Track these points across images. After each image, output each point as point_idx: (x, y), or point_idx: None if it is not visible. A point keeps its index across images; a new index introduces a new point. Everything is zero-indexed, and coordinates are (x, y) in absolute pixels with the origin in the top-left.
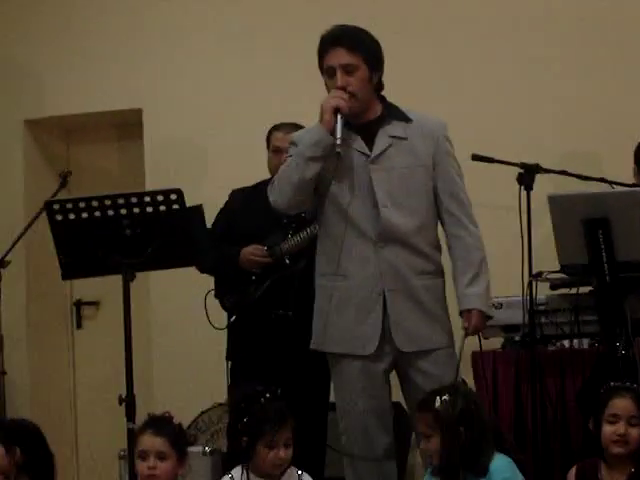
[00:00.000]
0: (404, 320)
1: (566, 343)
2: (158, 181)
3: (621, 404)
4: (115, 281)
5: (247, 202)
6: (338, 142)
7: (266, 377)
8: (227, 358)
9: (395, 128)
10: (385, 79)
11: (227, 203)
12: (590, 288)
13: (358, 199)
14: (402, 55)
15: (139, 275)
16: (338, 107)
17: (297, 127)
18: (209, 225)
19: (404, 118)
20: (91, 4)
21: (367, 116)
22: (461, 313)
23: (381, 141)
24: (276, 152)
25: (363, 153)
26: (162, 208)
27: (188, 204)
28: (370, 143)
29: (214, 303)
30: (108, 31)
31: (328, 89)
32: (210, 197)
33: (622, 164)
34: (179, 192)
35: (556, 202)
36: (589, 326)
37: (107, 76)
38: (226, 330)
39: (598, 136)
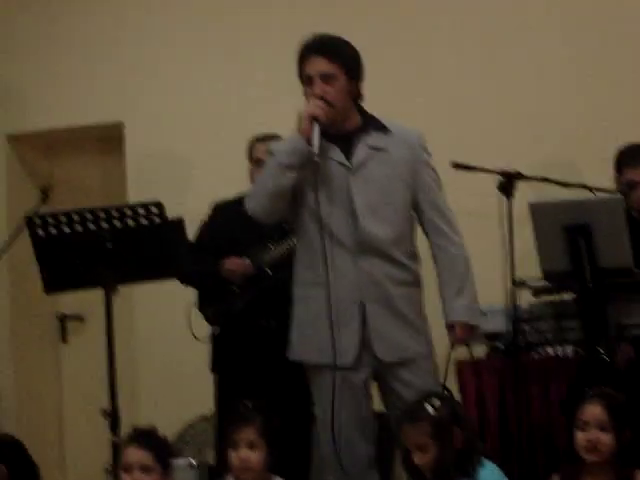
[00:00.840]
0: (384, 330)
1: (550, 351)
2: (140, 194)
3: (590, 411)
4: (100, 295)
5: (229, 215)
6: (315, 151)
7: (252, 389)
8: (212, 370)
9: (374, 139)
10: (364, 89)
11: (210, 216)
12: (572, 295)
13: (336, 209)
14: (380, 65)
15: (123, 289)
16: (315, 115)
17: (278, 138)
18: (191, 238)
19: (382, 129)
20: (73, 19)
21: (346, 126)
22: (447, 326)
23: (360, 152)
24: (258, 164)
25: (342, 164)
26: (143, 221)
27: (170, 217)
28: (349, 154)
29: (198, 316)
30: (89, 45)
31: (307, 98)
32: (192, 210)
33: (602, 170)
34: (160, 205)
35: (537, 209)
36: (572, 333)
37: (88, 90)
38: (210, 342)
39: (578, 143)
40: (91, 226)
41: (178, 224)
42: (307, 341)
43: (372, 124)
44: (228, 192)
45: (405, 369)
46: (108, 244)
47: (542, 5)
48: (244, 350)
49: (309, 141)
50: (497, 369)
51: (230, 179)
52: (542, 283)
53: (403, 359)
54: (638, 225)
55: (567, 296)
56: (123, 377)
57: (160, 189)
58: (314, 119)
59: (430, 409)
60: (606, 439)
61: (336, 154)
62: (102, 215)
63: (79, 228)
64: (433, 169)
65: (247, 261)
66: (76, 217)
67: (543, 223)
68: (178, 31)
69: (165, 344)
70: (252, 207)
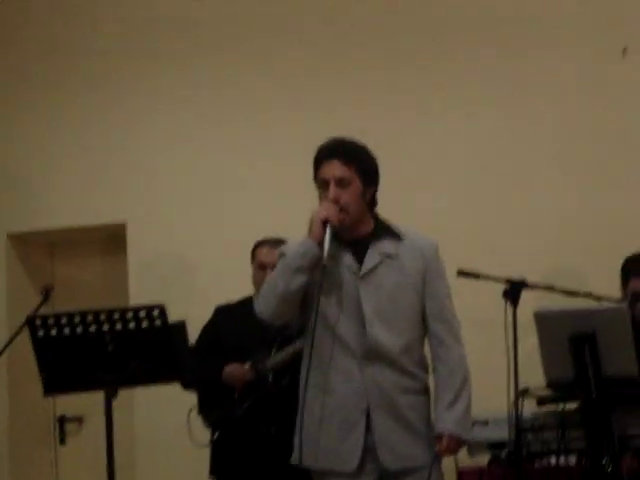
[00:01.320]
0: (389, 438)
1: (553, 460)
2: (142, 295)
3: None
4: (98, 396)
5: (232, 318)
6: (325, 254)
7: None
8: (211, 474)
9: (386, 245)
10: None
11: (212, 319)
12: (576, 404)
13: (345, 315)
14: (389, 169)
15: (123, 390)
16: (327, 219)
17: (282, 242)
18: (193, 340)
19: (396, 235)
20: (76, 119)
21: (358, 231)
22: (436, 436)
23: (371, 258)
24: (261, 267)
25: (351, 269)
26: (144, 324)
27: (173, 318)
28: (360, 259)
29: (197, 420)
30: (92, 147)
31: (320, 201)
32: (195, 311)
33: (608, 279)
34: (161, 308)
35: (542, 318)
36: (576, 442)
37: (91, 191)
38: (210, 447)
39: (583, 251)
40: (92, 328)
41: (179, 328)
42: (310, 446)
43: (385, 230)
44: (232, 295)
45: (410, 477)
46: (109, 346)
47: (549, 115)
48: (244, 455)
49: (320, 244)
50: (499, 478)
51: (234, 282)
52: (546, 392)
53: (409, 468)
54: None
55: (571, 405)
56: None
57: (163, 291)
58: (326, 222)
59: None
60: None
61: (347, 259)
62: (103, 317)
63: (80, 330)
64: (445, 280)
65: (248, 367)
66: (77, 318)
67: (548, 332)
68: (182, 133)
69: (165, 447)
70: (260, 309)
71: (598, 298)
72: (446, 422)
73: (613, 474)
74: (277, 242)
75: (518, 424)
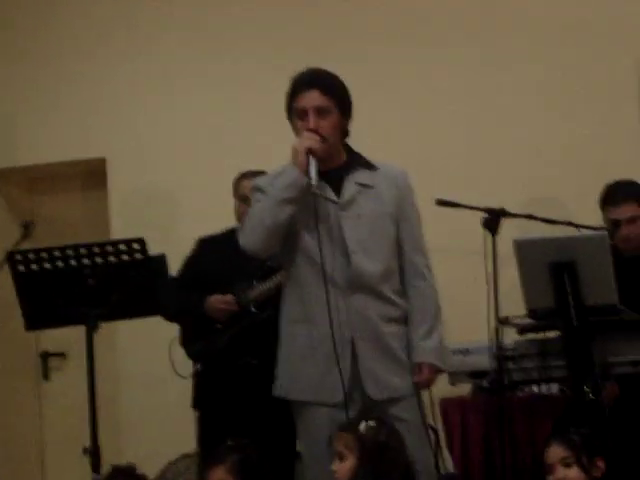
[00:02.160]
0: (374, 368)
1: (535, 389)
2: (124, 231)
3: (552, 452)
4: (81, 332)
5: (214, 250)
6: (313, 182)
7: (234, 426)
8: (194, 406)
9: (361, 175)
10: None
11: (194, 251)
12: (557, 332)
13: (327, 246)
14: (367, 100)
15: (106, 325)
16: (311, 148)
17: (263, 175)
18: (175, 273)
19: (368, 166)
20: (56, 55)
21: (333, 163)
22: (413, 365)
23: (349, 188)
24: (244, 200)
25: (332, 200)
26: (125, 257)
27: (155, 253)
28: (337, 190)
29: (180, 352)
30: (71, 81)
31: (296, 131)
32: (177, 245)
33: (588, 208)
34: (142, 241)
35: (522, 246)
36: (557, 371)
37: (70, 125)
38: (193, 379)
39: (563, 180)
40: (72, 262)
41: (159, 260)
42: (294, 378)
43: (358, 161)
44: (213, 228)
45: (394, 406)
46: (90, 280)
47: (528, 41)
48: (226, 387)
49: (306, 174)
50: (482, 407)
51: (215, 215)
52: (527, 321)
53: (394, 397)
54: (623, 262)
55: (552, 334)
56: (105, 414)
57: (144, 225)
58: (310, 152)
59: (363, 426)
60: (573, 474)
61: (326, 191)
62: (84, 251)
63: (60, 264)
64: (417, 209)
65: (230, 298)
66: (57, 253)
67: (528, 260)
68: (163, 67)
69: (147, 381)
70: (247, 242)
71: (578, 227)
72: (424, 352)
73: (594, 401)
74: (259, 174)
75: (500, 353)
